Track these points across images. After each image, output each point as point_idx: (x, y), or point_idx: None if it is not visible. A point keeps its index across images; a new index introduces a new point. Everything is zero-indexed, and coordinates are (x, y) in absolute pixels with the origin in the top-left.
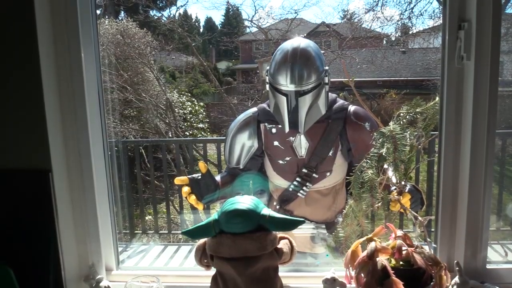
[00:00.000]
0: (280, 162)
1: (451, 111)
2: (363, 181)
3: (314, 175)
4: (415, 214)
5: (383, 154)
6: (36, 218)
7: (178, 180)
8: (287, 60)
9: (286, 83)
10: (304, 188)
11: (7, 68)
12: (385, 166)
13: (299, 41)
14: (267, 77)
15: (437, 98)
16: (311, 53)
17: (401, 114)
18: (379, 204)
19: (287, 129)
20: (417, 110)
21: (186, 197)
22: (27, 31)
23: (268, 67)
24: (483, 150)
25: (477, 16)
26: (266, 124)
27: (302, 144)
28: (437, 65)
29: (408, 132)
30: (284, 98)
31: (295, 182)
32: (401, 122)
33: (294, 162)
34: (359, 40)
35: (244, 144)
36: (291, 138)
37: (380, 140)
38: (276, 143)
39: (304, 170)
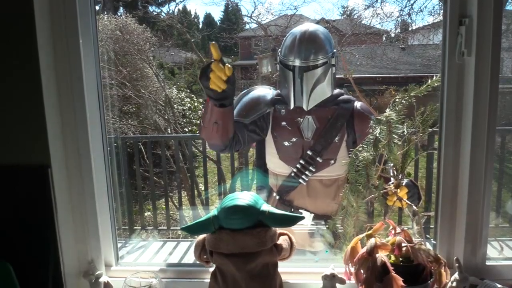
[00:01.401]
0: (286, 143)
1: (451, 107)
2: (358, 164)
3: (318, 158)
4: (411, 203)
5: (377, 135)
6: (35, 214)
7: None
8: (295, 40)
9: (293, 59)
10: (307, 172)
11: (6, 64)
12: (386, 163)
13: (308, 25)
14: (278, 57)
15: (429, 81)
16: (319, 35)
17: (397, 100)
18: (375, 192)
19: (292, 105)
20: (411, 94)
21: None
22: (26, 27)
23: (280, 49)
24: (483, 146)
25: (478, 12)
26: (276, 105)
27: (309, 126)
28: (437, 61)
29: (405, 125)
30: (291, 73)
31: (298, 165)
32: (397, 108)
33: (300, 144)
34: (358, 36)
35: (261, 105)
36: (299, 119)
37: (377, 128)
38: (284, 123)
39: (309, 152)
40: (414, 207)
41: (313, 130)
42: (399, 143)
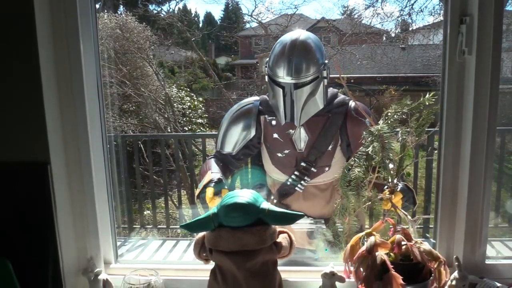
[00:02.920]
0: (279, 155)
1: (451, 106)
2: (350, 179)
3: (312, 169)
4: (405, 213)
5: (370, 153)
6: (35, 211)
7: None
8: (285, 52)
9: (283, 75)
10: (302, 182)
11: (7, 61)
12: (389, 164)
13: (299, 33)
14: (266, 69)
15: (422, 98)
16: (310, 45)
17: (389, 114)
18: (367, 204)
19: (283, 122)
20: (404, 110)
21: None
22: (26, 25)
23: (267, 58)
24: (483, 145)
25: (479, 11)
26: (266, 116)
27: (301, 137)
28: (437, 61)
29: (400, 131)
30: (281, 90)
31: (293, 176)
32: (389, 122)
33: (293, 155)
34: (359, 36)
35: (242, 131)
36: (291, 131)
37: (369, 139)
38: (275, 135)
39: (303, 164)
40: (409, 217)
41: (306, 141)
42: (395, 158)
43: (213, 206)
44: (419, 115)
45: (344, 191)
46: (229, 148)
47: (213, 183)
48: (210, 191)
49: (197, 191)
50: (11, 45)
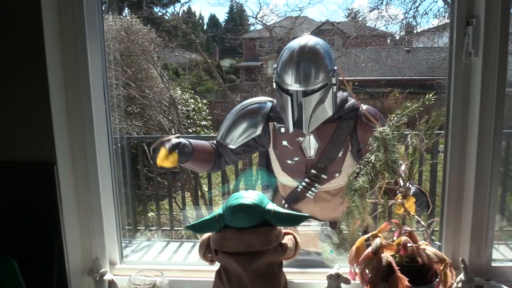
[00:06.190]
0: (289, 162)
1: (458, 108)
2: (355, 188)
3: (323, 176)
4: (419, 219)
5: (373, 161)
6: (41, 211)
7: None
8: (293, 59)
9: (291, 83)
10: (313, 189)
11: (15, 63)
12: (401, 166)
13: (307, 39)
14: (274, 75)
15: (422, 99)
16: (319, 51)
17: (392, 117)
18: (378, 211)
19: (291, 129)
20: (405, 112)
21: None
22: (34, 27)
23: (276, 65)
24: (490, 147)
25: (485, 12)
26: (275, 123)
27: (311, 145)
28: (442, 64)
29: (409, 135)
30: (289, 98)
31: (303, 183)
32: (390, 124)
33: (303, 162)
34: (363, 38)
35: (247, 128)
36: (300, 138)
37: (375, 144)
38: (285, 142)
39: (313, 171)
40: (423, 222)
41: (316, 148)
42: (406, 162)
43: (163, 164)
44: (427, 117)
45: (350, 199)
46: (230, 140)
47: (169, 145)
48: (163, 152)
49: (153, 145)
50: (19, 46)
